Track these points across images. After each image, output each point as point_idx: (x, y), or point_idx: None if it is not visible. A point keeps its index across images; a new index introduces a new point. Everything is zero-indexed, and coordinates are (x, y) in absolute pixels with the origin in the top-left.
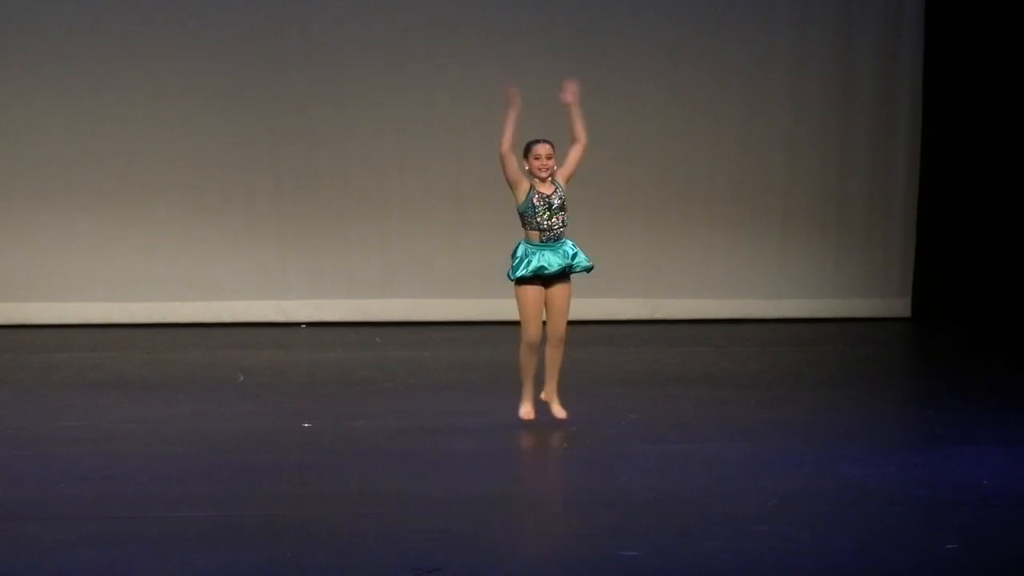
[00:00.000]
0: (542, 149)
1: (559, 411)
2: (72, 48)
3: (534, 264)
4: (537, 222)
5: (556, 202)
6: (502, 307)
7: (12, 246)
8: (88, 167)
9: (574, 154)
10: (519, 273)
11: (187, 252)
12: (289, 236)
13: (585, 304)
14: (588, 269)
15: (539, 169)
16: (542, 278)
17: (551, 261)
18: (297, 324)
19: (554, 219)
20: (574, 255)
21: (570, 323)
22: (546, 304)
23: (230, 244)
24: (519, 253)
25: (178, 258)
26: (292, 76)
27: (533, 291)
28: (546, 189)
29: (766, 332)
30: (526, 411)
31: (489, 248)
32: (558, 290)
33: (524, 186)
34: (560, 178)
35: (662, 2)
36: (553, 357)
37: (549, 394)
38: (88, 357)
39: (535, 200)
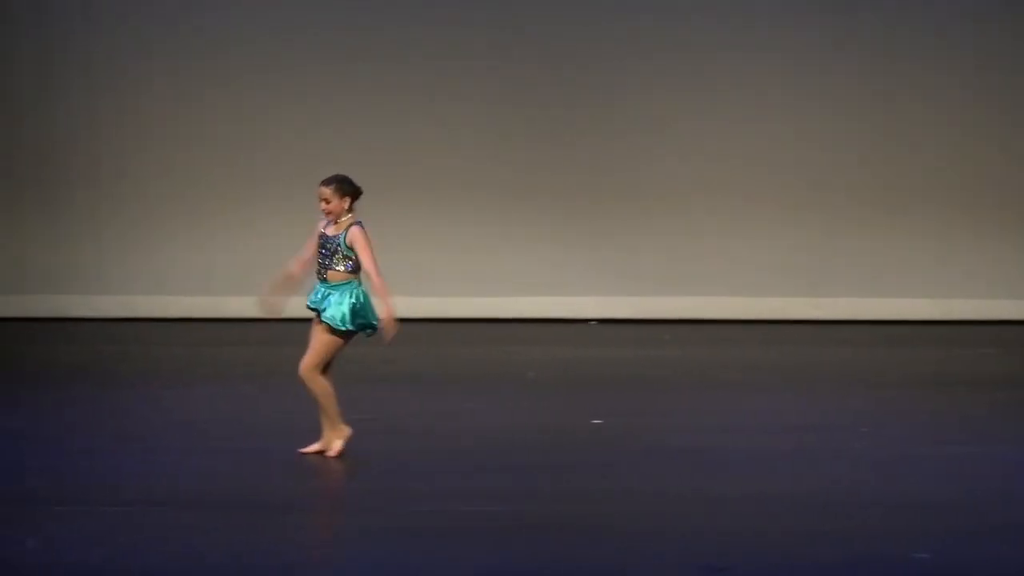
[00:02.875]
0: (320, 191)
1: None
2: (372, 48)
3: (309, 296)
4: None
5: (328, 247)
6: (796, 307)
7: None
8: (387, 166)
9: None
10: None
11: (476, 249)
12: (577, 233)
13: (872, 304)
14: (329, 324)
15: (321, 211)
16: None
17: (313, 298)
18: (586, 321)
19: (324, 261)
20: (327, 307)
21: (847, 323)
22: None
23: (520, 240)
24: None
25: (467, 254)
26: (585, 73)
27: (314, 322)
28: (329, 230)
29: None
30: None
31: (785, 248)
32: (318, 327)
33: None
34: (354, 243)
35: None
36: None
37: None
38: (380, 351)
39: (317, 234)
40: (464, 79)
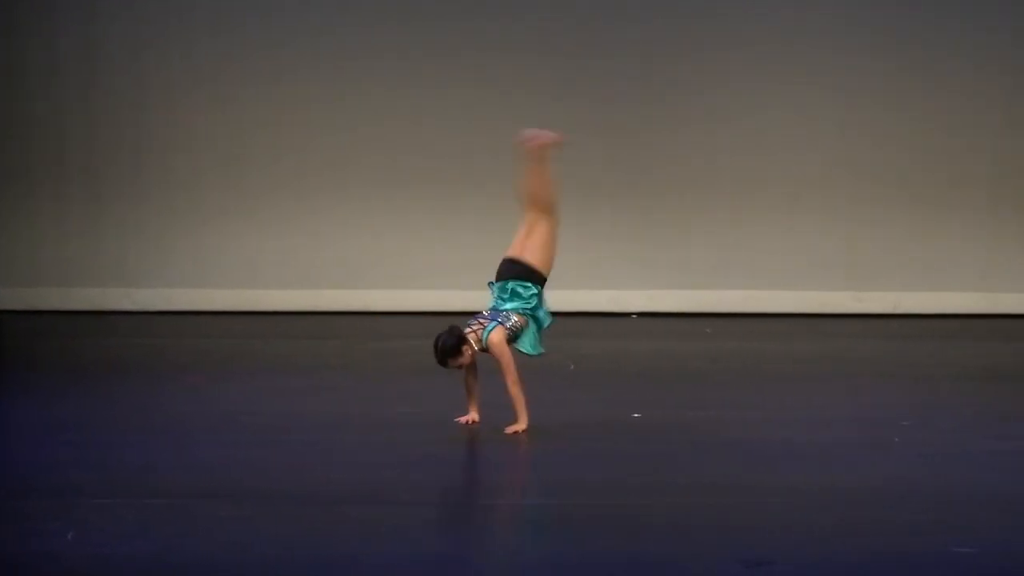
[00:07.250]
0: (450, 367)
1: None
2: (410, 38)
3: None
4: None
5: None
6: (835, 300)
7: (352, 235)
8: (424, 159)
9: None
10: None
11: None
12: (622, 225)
13: (919, 297)
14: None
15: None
16: None
17: None
18: (628, 314)
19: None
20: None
21: (892, 317)
22: None
23: (563, 234)
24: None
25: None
26: (608, 68)
27: None
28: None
29: None
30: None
31: (821, 240)
32: None
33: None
34: (492, 347)
35: None
36: None
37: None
38: (423, 345)
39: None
40: (510, 74)
